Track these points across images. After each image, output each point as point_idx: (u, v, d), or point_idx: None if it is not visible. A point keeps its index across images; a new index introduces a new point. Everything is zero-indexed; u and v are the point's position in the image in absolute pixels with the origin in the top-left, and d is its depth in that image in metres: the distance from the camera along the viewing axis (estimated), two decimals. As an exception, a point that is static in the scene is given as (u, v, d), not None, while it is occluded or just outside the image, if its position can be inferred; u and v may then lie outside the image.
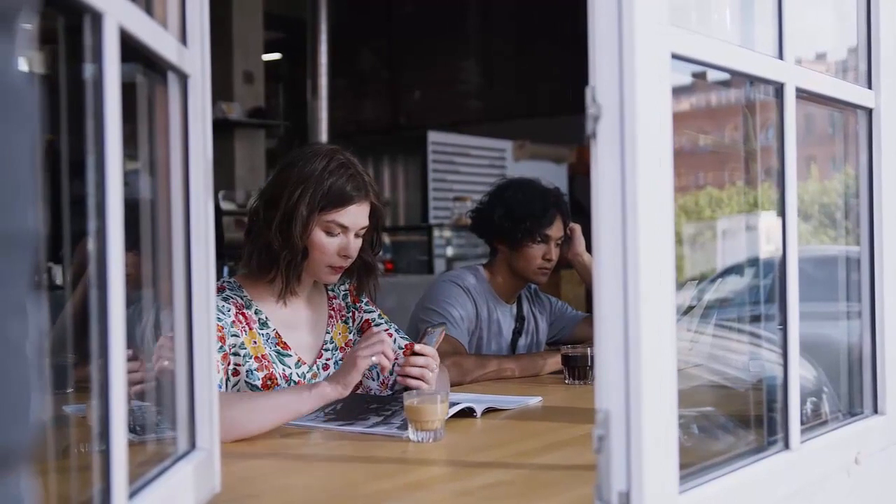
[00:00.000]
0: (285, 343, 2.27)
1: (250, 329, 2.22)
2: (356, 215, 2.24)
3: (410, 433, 1.89)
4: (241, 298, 2.25)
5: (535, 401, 2.39)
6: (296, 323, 2.32)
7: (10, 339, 0.49)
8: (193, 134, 1.37)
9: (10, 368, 0.49)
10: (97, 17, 1.00)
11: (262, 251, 2.23)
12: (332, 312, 2.41)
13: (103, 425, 1.01)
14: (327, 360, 2.35)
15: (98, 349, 1.01)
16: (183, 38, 1.36)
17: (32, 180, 0.52)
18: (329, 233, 2.22)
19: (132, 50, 1.12)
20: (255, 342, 2.21)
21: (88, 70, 1.02)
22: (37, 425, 0.53)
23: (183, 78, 1.35)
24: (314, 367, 2.31)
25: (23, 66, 0.53)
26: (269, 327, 2.25)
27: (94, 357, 1.01)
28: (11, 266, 0.49)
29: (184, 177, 1.37)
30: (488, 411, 2.21)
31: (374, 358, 2.01)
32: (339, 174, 2.21)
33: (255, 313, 2.25)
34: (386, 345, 2.04)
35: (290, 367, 2.25)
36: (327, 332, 2.38)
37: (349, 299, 2.46)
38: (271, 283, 2.26)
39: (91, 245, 1.01)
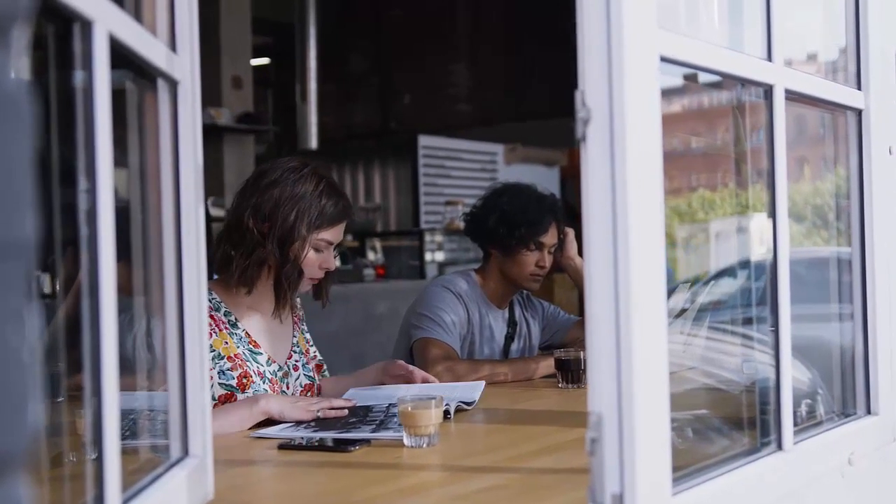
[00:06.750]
0: (255, 342, 2.36)
1: (220, 331, 2.29)
2: (341, 232, 2.39)
3: (405, 438, 1.89)
4: (210, 301, 2.30)
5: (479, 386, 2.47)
6: (266, 327, 2.41)
7: (9, 345, 0.49)
8: (184, 140, 1.37)
9: (8, 374, 0.49)
10: (87, 25, 1.00)
11: (254, 266, 2.30)
12: (296, 320, 2.54)
13: (96, 433, 1.00)
14: (296, 361, 2.47)
15: (90, 357, 1.00)
16: (172, 45, 1.35)
17: (29, 188, 0.52)
18: (317, 249, 2.34)
19: (121, 56, 1.12)
20: (226, 343, 2.29)
21: (78, 77, 1.01)
22: (34, 431, 0.54)
23: (173, 84, 1.35)
24: (285, 367, 2.42)
25: (18, 73, 0.53)
26: (239, 328, 2.34)
27: (87, 365, 1.01)
28: (9, 273, 0.50)
29: (174, 184, 1.36)
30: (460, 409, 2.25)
31: (320, 413, 2.15)
32: (330, 195, 2.33)
33: (225, 315, 2.33)
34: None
35: (262, 365, 2.34)
36: (294, 337, 2.50)
37: (302, 313, 2.58)
38: (249, 293, 2.33)
39: (83, 253, 1.01)
